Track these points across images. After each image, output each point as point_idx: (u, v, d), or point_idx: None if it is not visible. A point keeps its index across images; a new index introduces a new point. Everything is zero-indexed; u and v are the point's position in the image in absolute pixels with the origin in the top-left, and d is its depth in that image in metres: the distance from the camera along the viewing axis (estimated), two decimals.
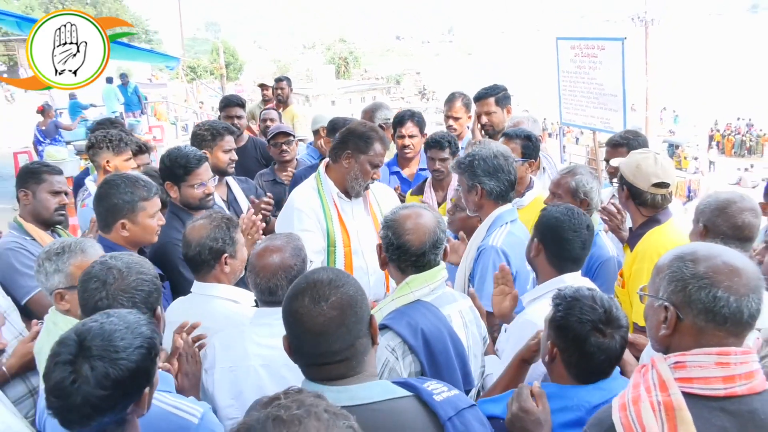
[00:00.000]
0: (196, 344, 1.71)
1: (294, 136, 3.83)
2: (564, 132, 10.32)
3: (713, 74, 50.41)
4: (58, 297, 1.73)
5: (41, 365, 1.71)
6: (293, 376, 1.34)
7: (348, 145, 2.47)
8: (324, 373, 1.17)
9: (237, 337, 1.68)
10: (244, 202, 3.04)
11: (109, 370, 1.11)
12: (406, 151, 3.47)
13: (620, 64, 4.13)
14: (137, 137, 3.74)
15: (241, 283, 1.98)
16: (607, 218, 2.42)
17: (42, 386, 1.62)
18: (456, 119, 3.65)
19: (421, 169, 3.52)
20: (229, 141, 3.01)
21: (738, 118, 31.61)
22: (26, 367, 1.96)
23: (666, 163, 2.21)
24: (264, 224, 2.53)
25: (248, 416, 0.86)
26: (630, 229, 2.32)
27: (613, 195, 2.73)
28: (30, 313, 2.26)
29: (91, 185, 3.02)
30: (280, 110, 5.30)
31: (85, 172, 3.34)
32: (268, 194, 2.96)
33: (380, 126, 3.85)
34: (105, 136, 2.92)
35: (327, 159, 2.62)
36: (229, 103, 4.23)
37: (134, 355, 1.15)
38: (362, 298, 1.21)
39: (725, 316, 1.12)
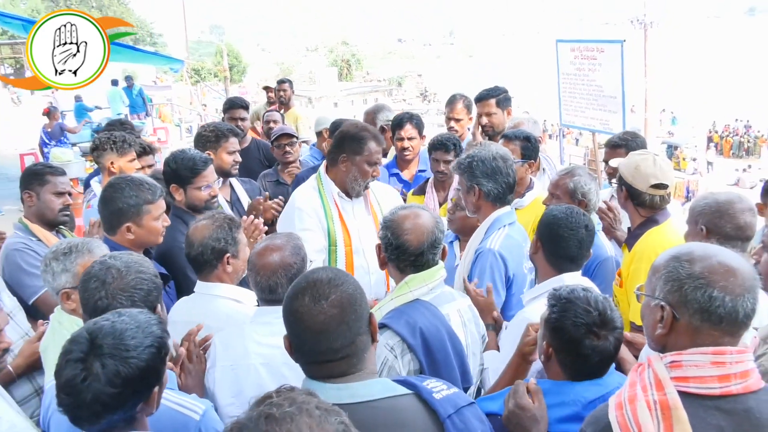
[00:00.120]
0: (202, 347, 1.72)
1: (297, 138, 3.86)
2: (564, 133, 10.33)
3: (712, 76, 50.39)
4: (65, 296, 1.74)
5: (47, 364, 1.73)
6: (293, 374, 1.35)
7: (342, 148, 2.48)
8: (325, 370, 1.18)
9: (237, 335, 1.69)
10: (247, 203, 3.06)
11: (119, 368, 1.13)
12: (406, 153, 3.49)
13: (619, 66, 4.15)
14: (143, 138, 3.76)
15: (244, 283, 1.99)
16: (601, 217, 2.44)
17: (47, 385, 1.65)
18: (457, 121, 3.67)
19: (420, 171, 3.54)
20: (233, 142, 3.02)
21: (736, 120, 31.56)
22: (32, 367, 1.97)
23: (665, 165, 2.22)
24: (266, 227, 2.55)
25: (242, 414, 0.87)
26: (628, 229, 2.34)
27: (612, 195, 2.75)
28: (37, 313, 2.27)
29: (97, 186, 3.04)
30: (282, 112, 5.34)
31: (96, 173, 3.35)
32: (279, 197, 2.96)
33: (382, 127, 3.89)
34: (109, 137, 2.94)
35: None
36: (233, 105, 4.25)
37: (144, 354, 1.16)
38: (361, 296, 1.22)
39: (721, 316, 1.13)
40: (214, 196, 2.59)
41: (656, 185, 2.17)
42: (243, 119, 4.18)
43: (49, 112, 9.50)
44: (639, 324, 1.83)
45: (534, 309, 1.75)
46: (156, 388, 1.21)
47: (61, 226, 2.61)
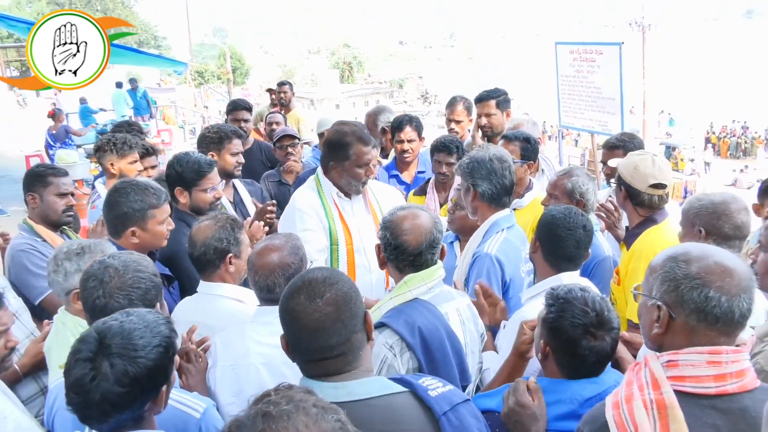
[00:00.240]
0: (201, 347, 1.73)
1: (299, 139, 3.89)
2: (563, 134, 10.35)
3: (709, 78, 50.38)
4: (75, 297, 1.74)
5: (51, 364, 1.74)
6: (293, 374, 1.36)
7: (330, 156, 2.48)
8: (321, 368, 1.19)
9: (238, 335, 1.70)
10: (250, 204, 3.08)
11: (128, 367, 1.14)
12: (405, 155, 3.50)
13: (618, 68, 4.17)
14: (146, 140, 3.78)
15: (246, 283, 2.00)
16: (604, 215, 2.45)
17: (50, 385, 1.66)
18: (458, 122, 3.68)
19: (419, 172, 3.56)
20: (236, 144, 3.03)
21: (733, 121, 31.57)
22: (38, 367, 1.98)
23: (663, 165, 2.24)
24: (267, 228, 2.56)
25: (240, 412, 0.88)
26: (627, 228, 2.35)
27: (610, 195, 2.76)
28: (42, 313, 2.27)
29: (101, 187, 3.05)
30: (283, 113, 5.38)
31: (101, 174, 3.36)
32: (272, 201, 2.97)
33: (383, 129, 3.90)
34: (110, 139, 2.95)
35: None
36: (236, 107, 4.29)
37: (153, 353, 1.17)
38: (356, 294, 1.23)
39: (717, 316, 1.13)
40: (219, 198, 2.61)
41: (655, 185, 2.18)
42: (246, 121, 4.21)
43: (54, 114, 9.50)
44: (636, 322, 1.84)
45: (532, 308, 1.77)
46: (164, 388, 1.22)
47: (65, 227, 2.62)
